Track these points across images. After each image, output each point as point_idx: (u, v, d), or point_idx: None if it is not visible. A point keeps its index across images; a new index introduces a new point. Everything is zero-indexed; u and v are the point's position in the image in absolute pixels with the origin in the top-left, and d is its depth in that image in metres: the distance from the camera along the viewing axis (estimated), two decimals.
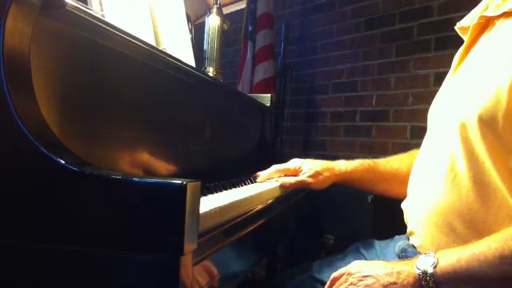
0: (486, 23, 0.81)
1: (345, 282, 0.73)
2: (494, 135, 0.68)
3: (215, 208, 0.61)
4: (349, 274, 0.74)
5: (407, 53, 2.02)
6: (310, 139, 2.49)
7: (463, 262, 0.64)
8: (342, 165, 1.05)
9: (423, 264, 0.67)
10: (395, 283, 0.68)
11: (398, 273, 0.69)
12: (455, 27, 0.93)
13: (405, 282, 0.68)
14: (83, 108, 0.62)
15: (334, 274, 0.77)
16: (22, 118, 0.46)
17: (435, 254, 0.68)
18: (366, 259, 0.97)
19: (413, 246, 0.84)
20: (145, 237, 0.45)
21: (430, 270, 0.66)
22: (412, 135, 1.93)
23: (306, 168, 1.04)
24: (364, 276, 0.71)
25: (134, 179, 0.45)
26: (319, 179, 1.03)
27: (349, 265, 0.76)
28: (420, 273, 0.67)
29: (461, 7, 1.75)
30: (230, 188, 0.91)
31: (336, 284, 0.75)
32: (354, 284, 0.71)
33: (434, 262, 0.66)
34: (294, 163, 1.06)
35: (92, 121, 0.64)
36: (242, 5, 2.81)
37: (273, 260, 1.96)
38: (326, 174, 1.04)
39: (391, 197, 1.06)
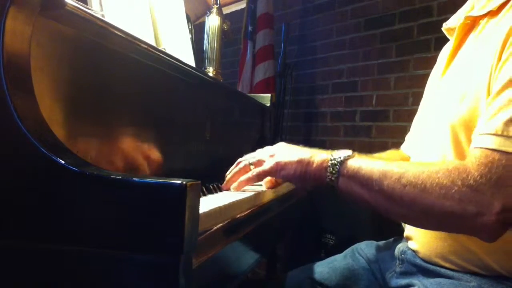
0: (472, 23, 0.81)
1: (267, 164, 0.77)
2: None
3: (215, 208, 0.61)
4: (272, 156, 0.78)
5: (407, 53, 2.02)
6: (310, 139, 2.49)
7: (370, 166, 0.67)
8: None
9: (339, 153, 0.70)
10: (306, 170, 0.72)
11: (310, 157, 0.73)
12: (442, 28, 0.93)
13: (314, 165, 0.72)
14: (83, 108, 0.62)
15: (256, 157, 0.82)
16: (22, 118, 0.46)
17: (354, 151, 0.71)
18: (366, 259, 0.97)
19: (412, 249, 0.83)
20: (145, 237, 0.45)
21: (340, 159, 0.69)
22: None
23: None
24: (284, 164, 0.75)
25: (134, 179, 0.45)
26: None
27: (274, 150, 0.80)
28: (331, 158, 0.70)
29: (460, 8, 1.75)
30: None
31: (261, 168, 0.78)
32: (276, 170, 0.76)
33: (349, 155, 0.70)
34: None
35: (92, 121, 0.64)
36: (242, 5, 2.81)
37: (273, 260, 1.96)
38: None
39: None
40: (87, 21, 0.61)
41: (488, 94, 0.65)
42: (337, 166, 0.69)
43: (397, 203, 0.64)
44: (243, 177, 0.80)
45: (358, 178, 0.67)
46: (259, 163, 0.80)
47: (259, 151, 0.84)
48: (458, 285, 0.70)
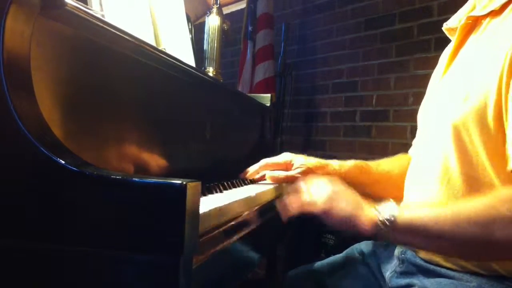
0: (473, 23, 0.80)
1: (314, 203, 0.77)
2: (486, 136, 0.68)
3: (215, 208, 0.61)
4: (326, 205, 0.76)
5: (407, 53, 2.02)
6: (310, 139, 2.49)
7: (422, 215, 0.67)
8: (336, 165, 1.00)
9: (385, 209, 0.69)
10: (354, 225, 0.71)
11: (358, 215, 0.71)
12: (443, 28, 0.92)
13: (362, 225, 0.70)
14: (83, 108, 0.62)
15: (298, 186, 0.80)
16: (22, 118, 0.46)
17: (396, 203, 0.70)
18: (366, 259, 0.97)
19: (412, 249, 0.83)
20: (145, 237, 0.45)
21: (389, 217, 0.68)
22: (412, 135, 1.92)
23: (297, 164, 0.99)
24: (333, 216, 0.74)
25: (134, 179, 0.45)
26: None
27: (324, 187, 0.78)
28: (380, 218, 0.69)
29: (461, 8, 1.75)
30: (230, 188, 0.91)
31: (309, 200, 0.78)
32: (326, 212, 0.75)
33: (394, 209, 0.69)
34: (285, 157, 1.01)
35: (92, 121, 0.64)
36: (242, 5, 2.81)
37: (273, 260, 1.96)
38: (318, 172, 0.98)
39: None
40: (87, 21, 0.61)
41: (499, 96, 0.65)
42: (388, 224, 0.68)
43: (458, 245, 0.65)
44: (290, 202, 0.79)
45: (411, 231, 0.67)
46: (309, 203, 0.78)
47: (311, 185, 0.80)
48: (458, 285, 0.70)
